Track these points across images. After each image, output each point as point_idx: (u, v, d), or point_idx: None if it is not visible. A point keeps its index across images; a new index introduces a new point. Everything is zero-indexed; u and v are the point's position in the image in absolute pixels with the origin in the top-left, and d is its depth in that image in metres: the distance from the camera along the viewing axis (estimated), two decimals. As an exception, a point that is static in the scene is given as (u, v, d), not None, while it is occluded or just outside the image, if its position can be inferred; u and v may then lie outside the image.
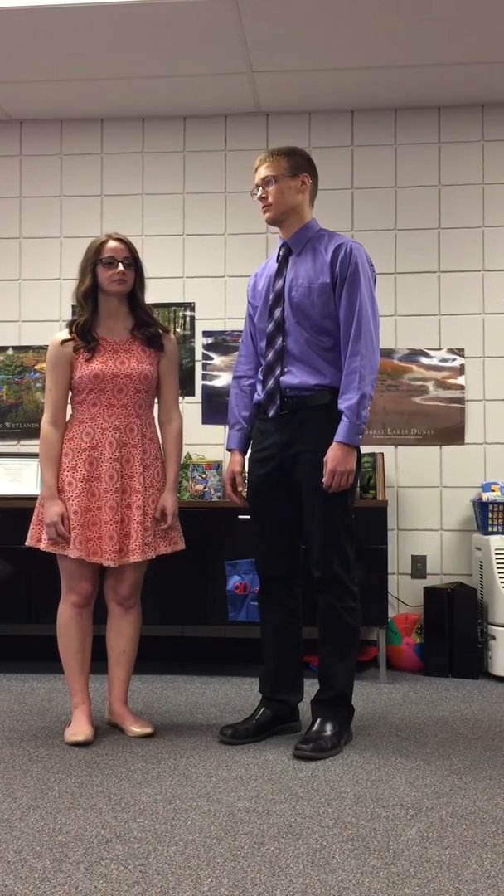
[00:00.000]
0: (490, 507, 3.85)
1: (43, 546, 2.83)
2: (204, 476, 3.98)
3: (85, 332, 2.85)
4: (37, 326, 4.37)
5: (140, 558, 2.83)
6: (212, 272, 4.34)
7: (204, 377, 4.32)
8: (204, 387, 4.31)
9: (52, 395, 2.87)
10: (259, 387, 2.89)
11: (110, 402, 2.86)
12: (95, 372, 2.82)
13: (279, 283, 2.83)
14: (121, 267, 2.84)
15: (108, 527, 2.79)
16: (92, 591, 2.88)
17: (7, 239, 4.44)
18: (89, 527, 2.80)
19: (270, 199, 2.82)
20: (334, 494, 2.70)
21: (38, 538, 2.87)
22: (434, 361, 4.22)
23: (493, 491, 3.93)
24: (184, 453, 3.98)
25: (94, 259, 2.85)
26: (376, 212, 4.27)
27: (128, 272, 2.86)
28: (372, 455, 3.95)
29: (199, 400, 4.30)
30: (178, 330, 4.32)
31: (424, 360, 4.22)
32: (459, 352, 4.21)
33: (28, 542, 2.90)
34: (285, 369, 2.79)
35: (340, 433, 2.66)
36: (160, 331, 2.96)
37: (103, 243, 2.86)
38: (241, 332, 4.14)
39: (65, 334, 2.88)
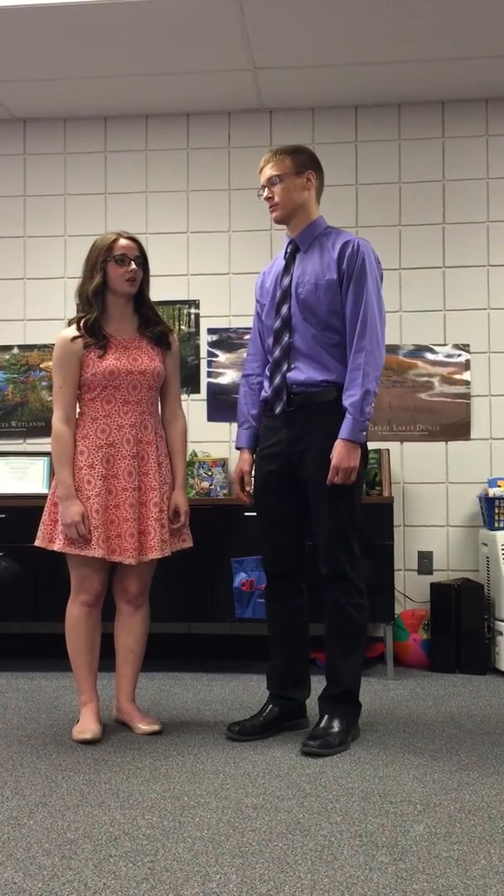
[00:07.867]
0: (496, 502, 3.84)
1: (58, 547, 2.79)
2: (210, 474, 3.98)
3: (95, 330, 2.84)
4: (41, 325, 4.38)
5: (159, 555, 2.82)
6: (216, 269, 4.33)
7: (209, 374, 4.32)
8: (209, 384, 4.31)
9: (64, 393, 2.83)
10: (266, 383, 2.89)
11: (125, 399, 2.85)
12: (111, 369, 2.81)
13: (286, 280, 2.83)
14: (133, 265, 2.84)
15: (127, 524, 2.78)
16: (102, 590, 2.87)
17: (11, 238, 4.44)
18: (109, 525, 2.78)
19: (277, 199, 2.81)
20: (341, 491, 2.70)
21: (49, 538, 2.83)
22: (439, 357, 4.21)
23: (499, 486, 3.92)
24: (189, 451, 4.00)
25: (106, 256, 2.83)
26: (380, 208, 4.27)
27: (139, 271, 2.87)
28: (378, 451, 3.95)
29: (205, 397, 4.31)
30: (182, 327, 4.32)
31: (430, 356, 4.22)
32: (465, 347, 4.20)
33: (38, 543, 2.85)
34: (292, 365, 2.79)
35: (344, 430, 2.66)
36: (166, 329, 2.97)
37: (115, 241, 2.85)
38: (246, 329, 4.19)
39: (73, 331, 2.85)
